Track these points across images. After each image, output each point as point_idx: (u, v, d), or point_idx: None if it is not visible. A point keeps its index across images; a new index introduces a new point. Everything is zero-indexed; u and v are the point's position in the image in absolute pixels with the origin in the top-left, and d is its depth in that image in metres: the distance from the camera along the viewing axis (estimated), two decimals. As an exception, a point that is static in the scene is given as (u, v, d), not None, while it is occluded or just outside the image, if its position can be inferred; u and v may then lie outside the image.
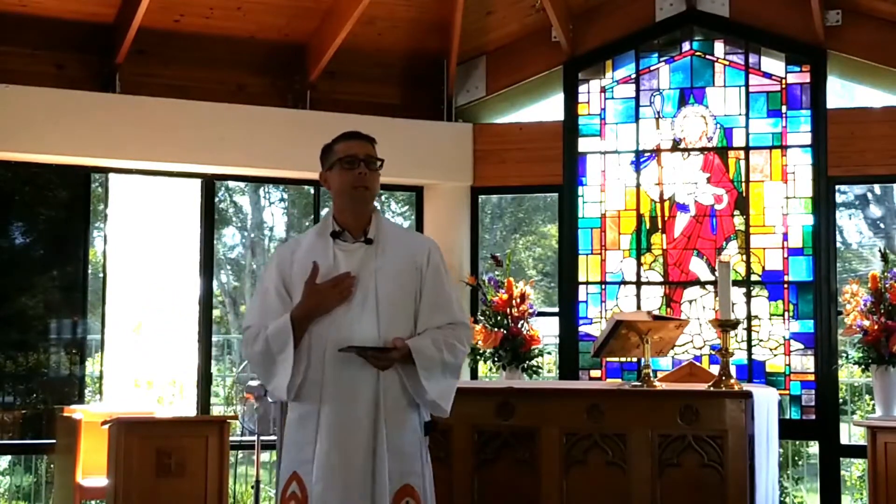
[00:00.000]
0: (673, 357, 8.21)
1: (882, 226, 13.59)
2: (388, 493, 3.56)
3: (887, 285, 7.62)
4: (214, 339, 9.07)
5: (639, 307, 8.44)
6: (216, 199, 9.92)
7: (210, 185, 8.66)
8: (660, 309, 8.40)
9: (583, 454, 5.21)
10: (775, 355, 8.33)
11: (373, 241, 3.70)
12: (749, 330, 8.32)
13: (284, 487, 3.67)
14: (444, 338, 3.67)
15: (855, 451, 8.69)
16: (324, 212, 13.20)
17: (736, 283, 8.10)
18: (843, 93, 9.12)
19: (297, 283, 3.68)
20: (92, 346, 8.86)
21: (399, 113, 8.67)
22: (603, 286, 8.66)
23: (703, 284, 8.50)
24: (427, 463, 3.72)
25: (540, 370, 8.48)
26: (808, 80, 8.45)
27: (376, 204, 3.83)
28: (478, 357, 8.34)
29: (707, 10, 8.66)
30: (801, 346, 8.29)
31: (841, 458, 8.49)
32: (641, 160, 8.70)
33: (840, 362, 8.43)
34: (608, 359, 8.14)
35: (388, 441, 3.57)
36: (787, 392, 8.21)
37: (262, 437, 7.38)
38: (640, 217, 8.64)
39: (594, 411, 5.22)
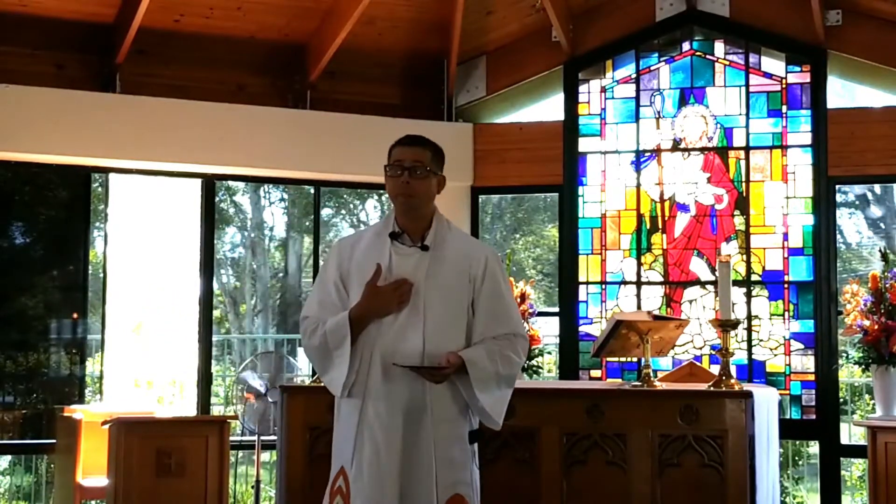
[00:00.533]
0: (673, 357, 8.20)
1: (882, 226, 13.59)
2: (434, 497, 3.59)
3: (887, 285, 7.61)
4: (214, 339, 9.06)
5: (639, 307, 8.44)
6: (216, 199, 9.92)
7: (210, 185, 8.66)
8: (660, 309, 8.40)
9: (583, 454, 5.20)
10: (775, 355, 8.32)
11: (429, 248, 3.71)
12: (749, 330, 8.31)
13: (333, 481, 3.73)
14: (500, 349, 3.69)
15: (855, 451, 8.69)
16: (324, 212, 13.20)
17: (736, 283, 8.10)
18: (843, 93, 9.12)
19: (353, 278, 3.72)
20: (92, 346, 8.86)
21: (399, 113, 8.66)
22: (603, 286, 8.66)
23: (703, 284, 8.50)
24: (475, 471, 3.74)
25: (540, 370, 8.48)
26: (808, 80, 8.45)
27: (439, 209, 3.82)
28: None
29: (707, 10, 8.65)
30: (802, 346, 8.29)
31: (841, 458, 8.49)
32: (641, 160, 8.70)
33: (840, 362, 8.43)
34: (608, 359, 8.13)
35: (438, 451, 3.61)
36: (788, 392, 8.21)
37: (262, 437, 7.40)
38: (640, 217, 8.64)
39: (594, 411, 5.21)
